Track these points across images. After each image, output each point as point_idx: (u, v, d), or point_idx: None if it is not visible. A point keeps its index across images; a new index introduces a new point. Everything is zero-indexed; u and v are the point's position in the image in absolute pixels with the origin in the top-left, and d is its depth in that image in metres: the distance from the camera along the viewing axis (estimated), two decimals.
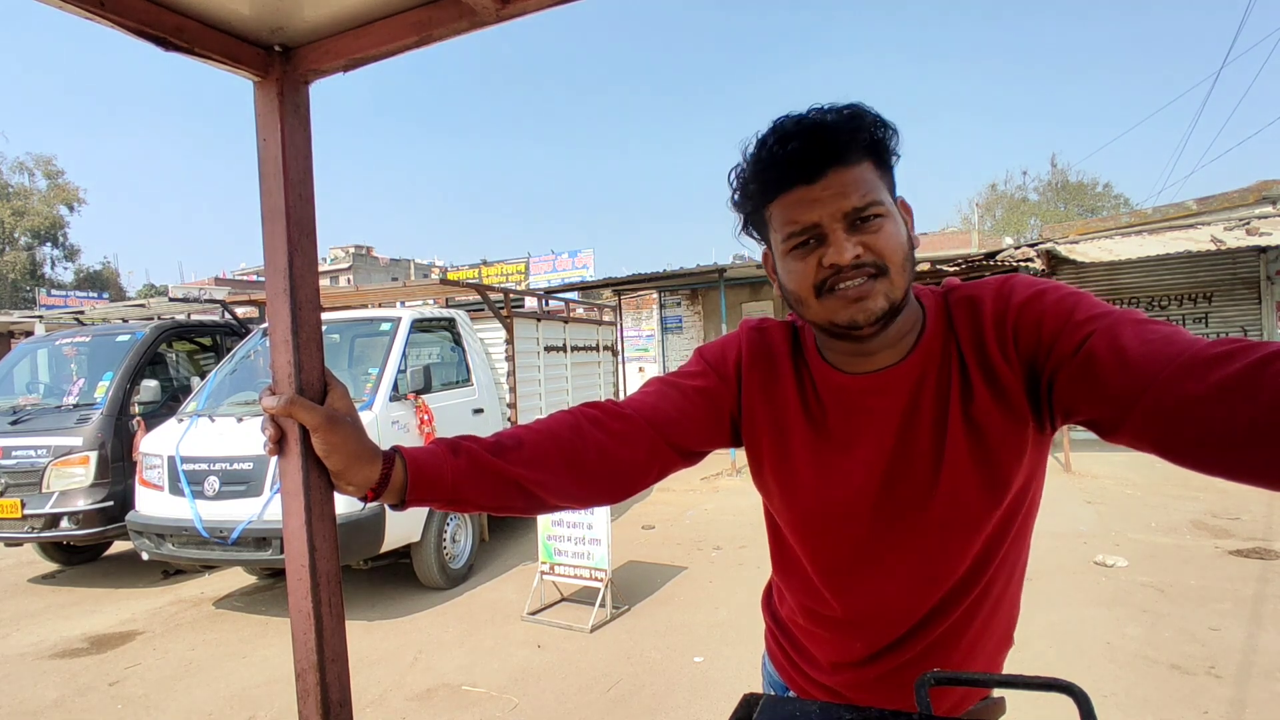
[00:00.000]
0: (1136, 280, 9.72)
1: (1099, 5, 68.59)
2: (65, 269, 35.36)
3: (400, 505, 0.90)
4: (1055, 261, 8.76)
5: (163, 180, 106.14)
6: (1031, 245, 9.56)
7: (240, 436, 4.67)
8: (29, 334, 12.21)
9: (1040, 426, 0.88)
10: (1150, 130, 61.73)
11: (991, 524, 0.91)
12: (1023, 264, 9.20)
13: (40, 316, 12.20)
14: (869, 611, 0.97)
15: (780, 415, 1.00)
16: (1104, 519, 6.02)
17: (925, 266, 10.99)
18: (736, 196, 0.92)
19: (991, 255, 9.93)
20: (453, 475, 0.88)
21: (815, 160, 0.83)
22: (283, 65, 1.01)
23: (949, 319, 0.92)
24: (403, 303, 8.87)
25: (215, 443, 4.69)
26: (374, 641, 4.12)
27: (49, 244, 34.18)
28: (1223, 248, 7.81)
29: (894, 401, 0.93)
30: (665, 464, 1.00)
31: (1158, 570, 4.66)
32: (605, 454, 0.94)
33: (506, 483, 0.89)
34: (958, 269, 10.64)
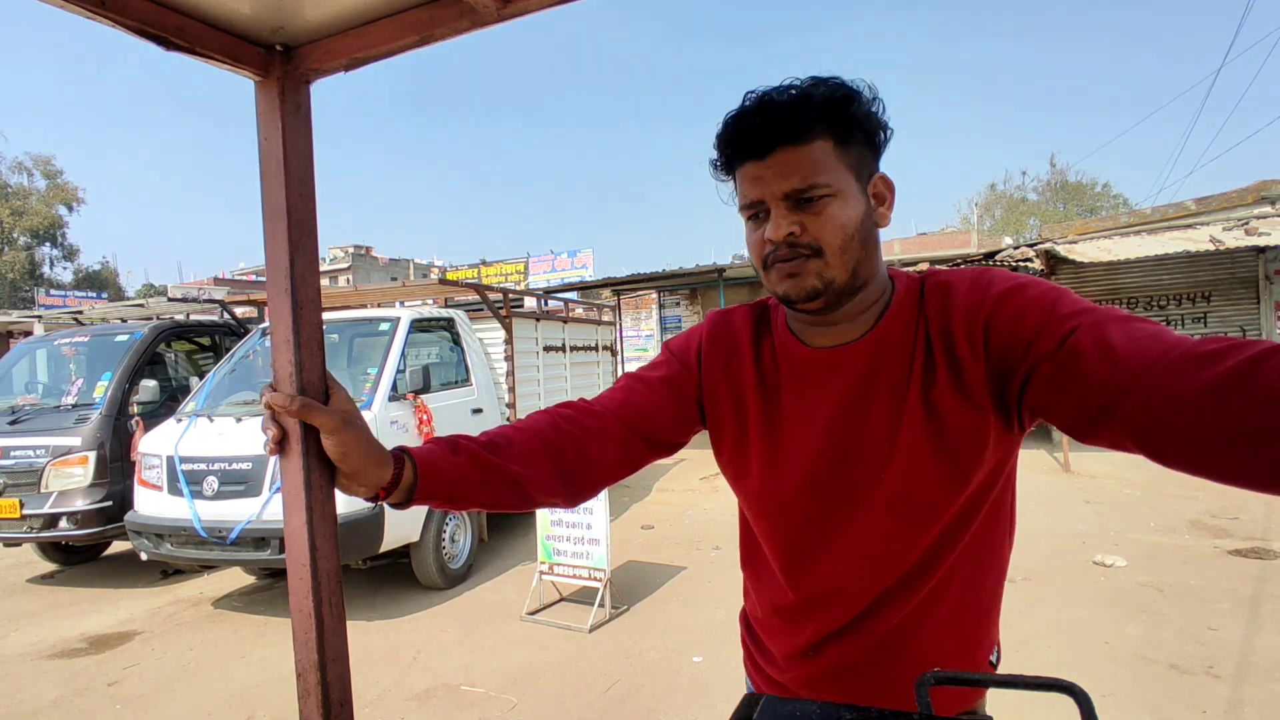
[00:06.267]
0: (1135, 280, 9.72)
1: (1098, 5, 68.64)
2: (64, 269, 35.35)
3: (405, 504, 0.92)
4: (1054, 261, 8.76)
5: (162, 180, 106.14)
6: (1030, 245, 9.56)
7: (239, 436, 4.66)
8: (28, 334, 12.20)
9: (1006, 422, 0.86)
10: (1149, 130, 61.76)
11: (949, 515, 0.89)
12: (1022, 264, 9.20)
13: (39, 316, 12.18)
14: (817, 594, 0.96)
15: (739, 394, 1.00)
16: (1103, 519, 6.03)
17: (924, 267, 11.00)
18: (712, 164, 0.95)
19: (990, 255, 9.93)
20: (454, 474, 0.90)
21: (765, 139, 0.85)
22: (284, 65, 1.01)
23: (921, 302, 0.92)
24: (402, 303, 8.86)
25: (214, 443, 4.69)
26: (373, 641, 4.12)
27: (48, 244, 34.15)
28: (1221, 248, 7.82)
29: (848, 378, 0.92)
30: (637, 457, 1.04)
31: (1157, 570, 4.66)
32: (582, 450, 0.98)
33: (502, 480, 0.92)
34: (957, 268, 10.65)
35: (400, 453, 0.90)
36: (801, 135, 0.84)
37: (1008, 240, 17.78)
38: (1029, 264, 9.03)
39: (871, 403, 0.90)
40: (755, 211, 0.89)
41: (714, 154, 0.93)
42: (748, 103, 0.87)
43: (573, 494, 1.00)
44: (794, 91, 0.85)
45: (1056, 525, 5.89)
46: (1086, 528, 5.78)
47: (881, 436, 0.89)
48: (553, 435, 0.97)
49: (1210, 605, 4.02)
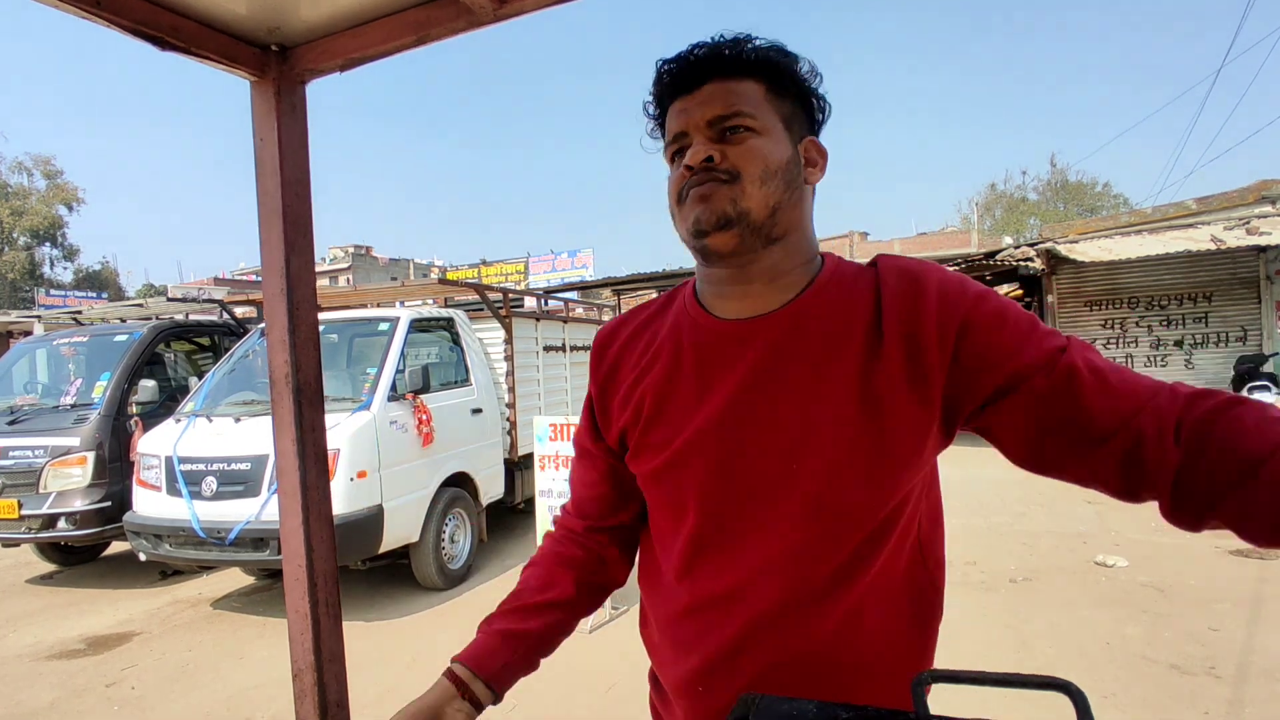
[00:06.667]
0: (1136, 280, 9.71)
1: (1099, 4, 68.66)
2: (64, 269, 35.39)
3: (499, 699, 0.93)
4: (1055, 261, 8.75)
5: (162, 180, 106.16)
6: (1031, 245, 9.55)
7: (238, 437, 4.66)
8: (28, 334, 12.19)
9: (945, 432, 0.81)
10: (1150, 130, 61.83)
11: (874, 521, 0.80)
12: (1022, 263, 9.20)
13: (38, 316, 12.19)
14: (710, 598, 0.84)
15: (637, 379, 0.91)
16: (1104, 519, 6.01)
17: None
18: (646, 112, 0.91)
19: (991, 255, 9.93)
20: (512, 654, 0.92)
21: (696, 71, 0.84)
22: (279, 65, 1.01)
23: (878, 283, 0.82)
24: (402, 302, 8.85)
25: (213, 443, 4.68)
26: (372, 643, 4.10)
27: (48, 244, 34.17)
28: (1222, 247, 7.81)
29: (757, 352, 0.83)
30: (629, 533, 1.01)
31: (1158, 570, 4.64)
32: (595, 562, 0.99)
33: (553, 626, 0.95)
34: (957, 268, 10.65)
35: (458, 677, 0.91)
36: (733, 71, 0.83)
37: (1008, 240, 17.75)
38: (1030, 263, 9.03)
39: (783, 384, 0.81)
40: (679, 146, 0.85)
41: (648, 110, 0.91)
42: (680, 50, 0.86)
43: (609, 587, 1.02)
44: (731, 36, 0.85)
45: (1057, 525, 5.88)
46: (1087, 528, 5.77)
47: (796, 423, 0.79)
48: (569, 563, 0.99)
49: (1211, 605, 4.01)
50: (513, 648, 0.92)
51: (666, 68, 0.85)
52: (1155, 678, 3.23)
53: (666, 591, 0.90)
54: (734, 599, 0.82)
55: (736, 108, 0.82)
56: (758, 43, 0.84)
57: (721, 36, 0.84)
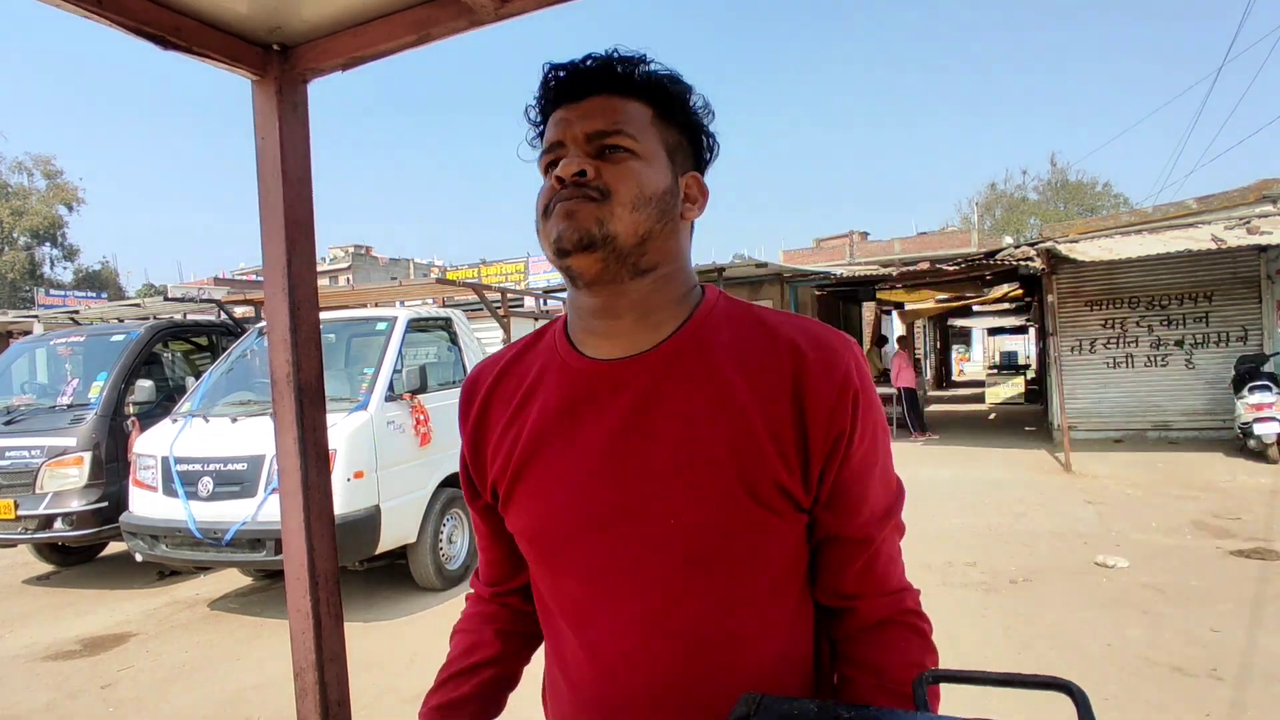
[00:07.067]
0: (1136, 280, 9.70)
1: (1098, 3, 68.67)
2: (64, 269, 35.39)
3: None
4: (1055, 260, 8.73)
5: (162, 180, 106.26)
6: (1031, 244, 9.53)
7: (235, 437, 4.64)
8: (27, 333, 12.19)
9: (806, 488, 0.77)
10: (1150, 129, 61.89)
11: (760, 573, 0.77)
12: (1022, 263, 9.18)
13: (37, 316, 12.19)
14: (606, 662, 0.80)
15: (506, 438, 0.84)
16: (1105, 519, 6.00)
17: (925, 266, 10.98)
18: (527, 116, 0.85)
19: (991, 254, 9.91)
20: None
21: (583, 82, 0.79)
22: (281, 64, 1.01)
23: (773, 339, 0.77)
24: (401, 302, 8.84)
25: (209, 443, 4.66)
26: (369, 644, 4.09)
27: (48, 244, 34.18)
28: (1223, 247, 7.79)
29: (630, 396, 0.77)
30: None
31: (1159, 571, 4.63)
32: (512, 630, 0.97)
33: (493, 683, 0.94)
34: (958, 268, 10.63)
35: None
36: (622, 88, 0.79)
37: (1008, 239, 17.75)
38: (1030, 263, 9.01)
39: (656, 433, 0.75)
40: (554, 158, 0.79)
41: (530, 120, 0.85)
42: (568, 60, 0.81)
43: (538, 633, 0.96)
44: (627, 53, 0.80)
45: (1057, 526, 5.86)
46: (1087, 528, 5.76)
47: (671, 476, 0.74)
48: (490, 619, 0.96)
49: (1212, 607, 3.99)
50: (450, 718, 0.91)
51: (553, 74, 0.80)
52: (1156, 679, 3.22)
53: (564, 649, 0.85)
54: (629, 662, 0.78)
55: (619, 126, 0.77)
56: (653, 66, 0.80)
57: (616, 51, 0.79)
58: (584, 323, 0.82)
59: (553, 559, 0.82)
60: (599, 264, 0.75)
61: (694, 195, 0.83)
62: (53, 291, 28.12)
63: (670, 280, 0.81)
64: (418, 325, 5.53)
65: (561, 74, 0.79)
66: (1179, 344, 9.60)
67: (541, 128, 0.83)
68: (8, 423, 5.63)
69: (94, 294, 29.17)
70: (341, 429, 4.39)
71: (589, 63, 0.78)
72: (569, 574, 0.81)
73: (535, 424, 0.82)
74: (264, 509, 4.30)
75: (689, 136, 0.84)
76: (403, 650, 4.00)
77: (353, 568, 4.77)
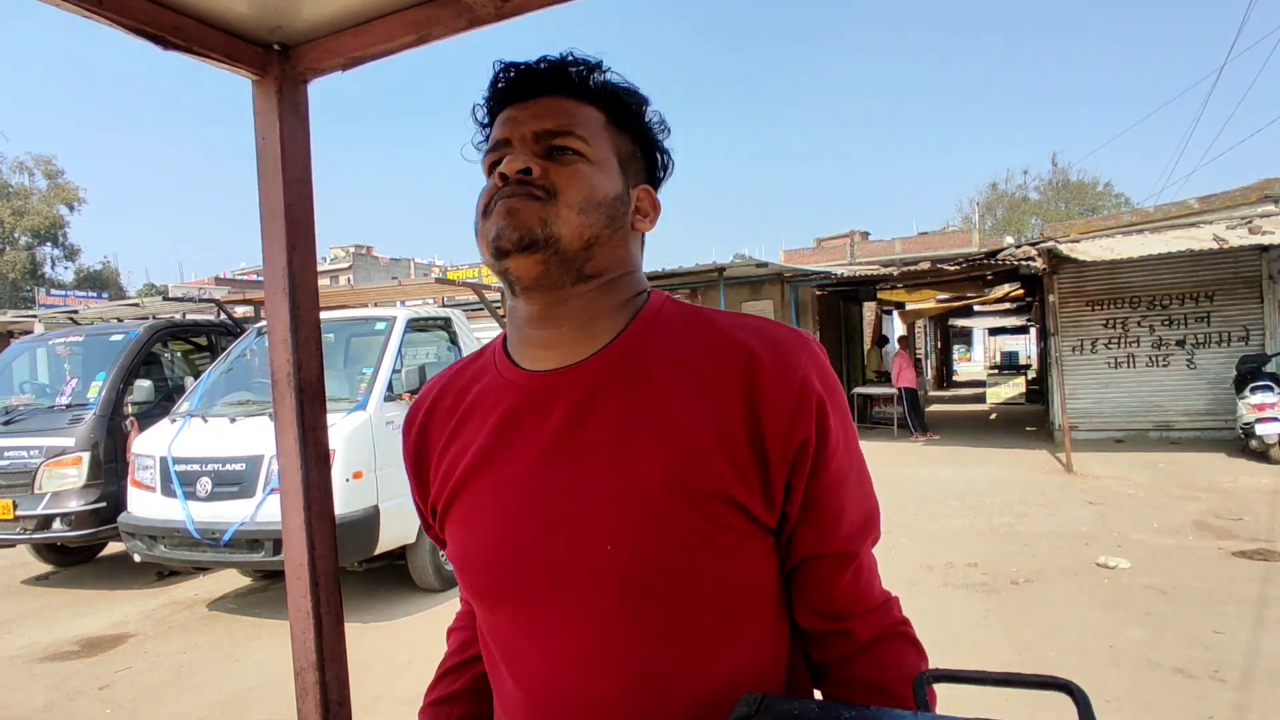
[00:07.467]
0: (1137, 279, 9.69)
1: (1098, 3, 68.66)
2: (65, 269, 35.47)
3: None
4: (1056, 260, 8.72)
5: (163, 180, 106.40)
6: (1033, 244, 9.52)
7: (233, 437, 4.63)
8: (27, 333, 12.20)
9: (768, 504, 0.70)
10: (1151, 128, 61.86)
11: (711, 600, 0.70)
12: (1024, 263, 9.16)
13: (37, 316, 12.20)
14: (543, 699, 0.73)
15: (444, 461, 0.80)
16: (1106, 520, 5.98)
17: (926, 266, 10.97)
18: (474, 117, 0.82)
19: (993, 254, 9.90)
20: None
21: (535, 82, 0.75)
22: (281, 64, 1.01)
23: (721, 341, 0.72)
24: (402, 302, 8.84)
25: (208, 443, 4.65)
26: (368, 645, 4.08)
27: (49, 244, 34.24)
28: (1225, 246, 7.78)
29: (563, 410, 0.71)
30: None
31: (1160, 572, 4.61)
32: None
33: (483, 683, 0.89)
34: (959, 268, 10.62)
35: None
36: (574, 91, 0.76)
37: (1009, 239, 17.73)
38: (1031, 263, 9.00)
39: (591, 449, 0.70)
40: (499, 156, 0.74)
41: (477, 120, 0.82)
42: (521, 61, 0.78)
43: None
44: (583, 57, 0.77)
45: (1058, 526, 5.85)
46: (1089, 529, 5.74)
47: (607, 496, 0.68)
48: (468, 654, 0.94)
49: (1215, 608, 3.98)
50: (447, 713, 0.90)
51: (503, 73, 0.76)
52: (1159, 681, 3.20)
53: (503, 689, 0.79)
54: (568, 704, 0.71)
55: (570, 127, 0.73)
56: (610, 75, 0.77)
57: (572, 54, 0.76)
58: (521, 333, 0.76)
59: (482, 592, 0.76)
60: (539, 266, 0.70)
61: (645, 209, 0.80)
62: (54, 291, 28.18)
63: (615, 287, 0.76)
64: (417, 325, 5.52)
65: (512, 73, 0.76)
66: (1180, 344, 9.59)
67: (489, 129, 0.79)
68: (6, 422, 5.63)
69: (95, 294, 29.23)
70: (340, 429, 4.38)
71: (543, 64, 0.75)
72: (498, 609, 0.75)
73: (468, 445, 0.77)
74: (262, 509, 4.29)
75: (643, 148, 0.81)
76: (401, 651, 3.99)
77: (351, 568, 4.76)
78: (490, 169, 0.75)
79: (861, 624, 0.75)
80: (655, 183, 0.83)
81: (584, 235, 0.71)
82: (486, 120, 0.79)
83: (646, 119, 0.80)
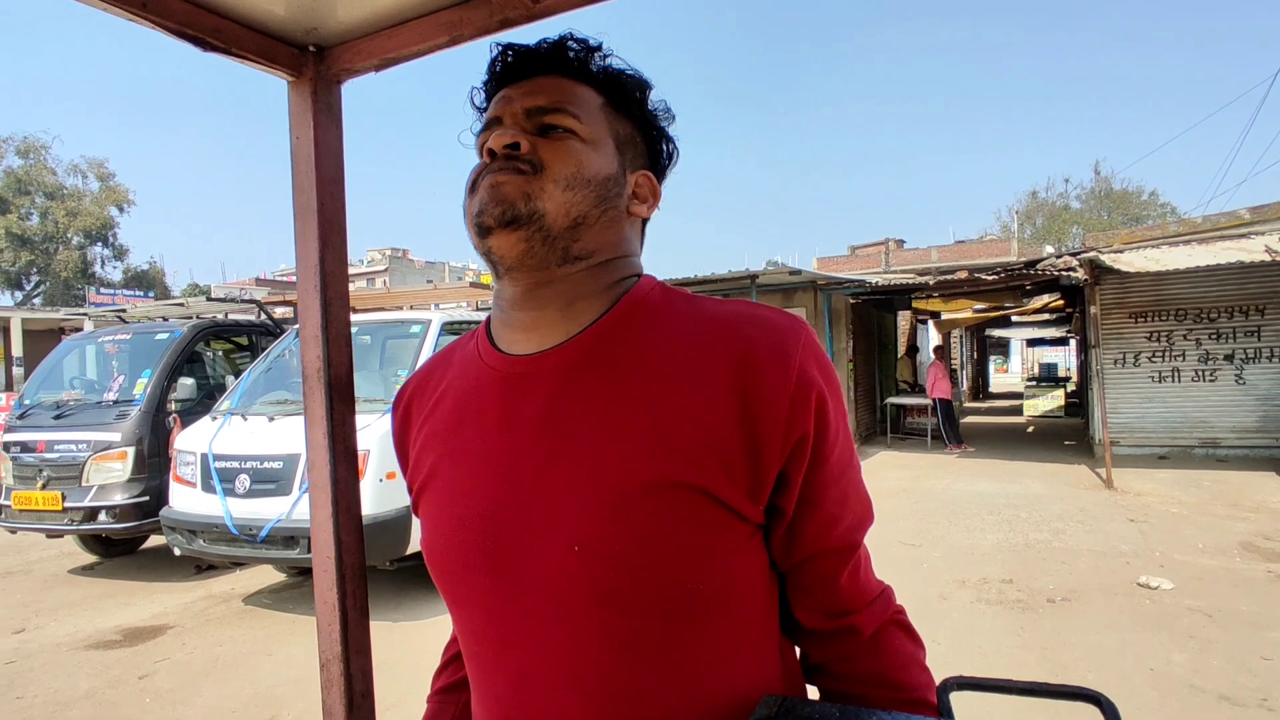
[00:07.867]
0: (1184, 292, 9.41)
1: (1146, 8, 66.99)
2: (114, 268, 36.58)
3: None
4: (1098, 271, 8.51)
5: (208, 182, 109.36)
6: (1074, 254, 9.31)
7: (271, 435, 4.73)
8: (79, 330, 12.62)
9: (755, 499, 0.67)
10: (1200, 136, 60.02)
11: (691, 610, 0.64)
12: (1064, 273, 8.97)
13: (88, 314, 12.61)
14: (512, 707, 0.68)
15: (422, 451, 0.77)
16: (1148, 538, 5.80)
17: (963, 275, 10.78)
18: (472, 102, 0.80)
19: (1032, 264, 9.71)
20: (461, 707, 0.90)
21: (532, 63, 0.74)
22: (316, 65, 1.03)
23: (712, 326, 0.67)
24: (437, 305, 8.96)
25: (247, 441, 4.76)
26: (396, 643, 4.13)
27: (100, 244, 35.36)
28: (1278, 258, 7.51)
29: (538, 398, 0.67)
30: None
31: (1205, 594, 4.46)
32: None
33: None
34: (997, 277, 10.42)
35: None
36: (572, 72, 0.74)
37: (1049, 249, 17.34)
38: (1073, 273, 8.79)
39: (567, 441, 0.65)
40: (491, 134, 0.72)
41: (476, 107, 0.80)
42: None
43: None
44: (584, 38, 0.75)
45: (1098, 544, 5.69)
46: (1130, 547, 5.58)
47: (580, 493, 0.63)
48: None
49: (1264, 633, 3.83)
50: (454, 699, 0.90)
51: (501, 55, 0.75)
52: (1204, 708, 3.09)
53: (476, 699, 0.75)
54: (536, 713, 0.66)
55: (563, 104, 0.71)
56: (613, 60, 0.75)
57: (571, 35, 0.74)
58: (504, 315, 0.73)
59: (445, 593, 0.72)
60: (522, 244, 0.67)
61: (644, 194, 0.77)
62: (103, 290, 29.10)
63: (604, 270, 0.72)
64: (451, 328, 5.58)
65: (509, 54, 0.74)
66: (1229, 358, 9.28)
67: (488, 88, 0.77)
68: (57, 417, 5.83)
69: (142, 293, 30.12)
70: (374, 430, 4.44)
71: (541, 45, 0.74)
72: (465, 614, 0.71)
73: (439, 431, 0.74)
74: (298, 507, 4.38)
75: (644, 134, 0.78)
76: (429, 650, 4.02)
77: (383, 567, 4.82)
78: (482, 148, 0.74)
79: (864, 617, 0.73)
80: (659, 171, 0.81)
81: (570, 213, 0.68)
82: (484, 104, 0.77)
83: (649, 104, 0.79)
